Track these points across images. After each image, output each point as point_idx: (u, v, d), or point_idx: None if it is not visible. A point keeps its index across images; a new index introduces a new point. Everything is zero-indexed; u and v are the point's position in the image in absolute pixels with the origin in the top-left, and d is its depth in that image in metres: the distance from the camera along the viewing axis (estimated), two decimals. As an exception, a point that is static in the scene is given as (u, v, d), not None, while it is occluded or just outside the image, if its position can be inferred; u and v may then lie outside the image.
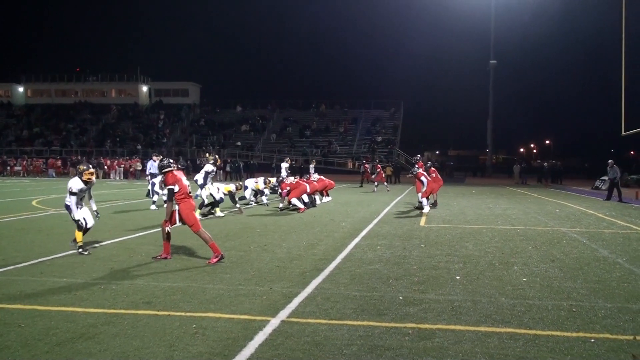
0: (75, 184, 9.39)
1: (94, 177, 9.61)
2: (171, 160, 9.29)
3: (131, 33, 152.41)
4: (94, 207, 9.82)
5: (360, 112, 67.21)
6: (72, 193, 9.37)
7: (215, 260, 8.59)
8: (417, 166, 18.60)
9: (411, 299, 6.59)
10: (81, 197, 9.55)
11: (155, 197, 17.44)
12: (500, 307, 6.23)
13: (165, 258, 8.88)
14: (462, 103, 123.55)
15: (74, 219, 9.43)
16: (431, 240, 11.32)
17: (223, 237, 11.25)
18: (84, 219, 9.45)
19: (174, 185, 8.72)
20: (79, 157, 48.56)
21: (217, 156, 17.58)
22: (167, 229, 8.84)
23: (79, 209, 9.46)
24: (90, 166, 9.73)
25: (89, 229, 9.62)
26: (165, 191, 8.86)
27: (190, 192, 8.95)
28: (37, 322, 5.56)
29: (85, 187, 9.51)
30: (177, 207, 8.83)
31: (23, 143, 63.85)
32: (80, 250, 9.29)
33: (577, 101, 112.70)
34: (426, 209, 16.95)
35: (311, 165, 34.02)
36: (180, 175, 8.99)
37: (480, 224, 14.29)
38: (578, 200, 23.92)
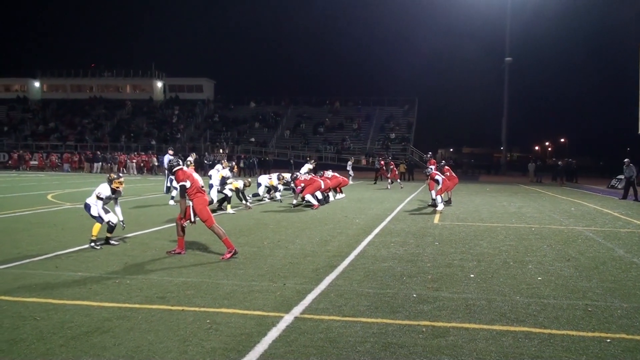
0: (104, 190, 9.61)
1: (122, 187, 9.83)
2: (179, 160, 9.42)
3: (146, 29, 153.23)
4: (121, 217, 9.94)
5: (374, 109, 67.02)
6: (99, 198, 9.53)
7: (228, 255, 8.62)
8: (430, 165, 18.60)
9: (425, 296, 6.56)
10: (106, 202, 9.73)
11: (174, 192, 17.53)
12: (514, 306, 6.19)
13: (179, 253, 8.92)
14: (477, 100, 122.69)
15: (92, 216, 9.56)
16: (445, 238, 11.27)
17: (236, 233, 11.28)
18: (109, 221, 9.62)
19: (185, 182, 8.79)
20: (97, 152, 48.79)
21: (234, 163, 17.66)
22: (184, 223, 8.91)
23: (106, 213, 9.65)
24: (121, 175, 9.96)
25: (114, 226, 9.75)
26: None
27: (202, 187, 9.01)
28: (52, 316, 5.60)
29: (113, 195, 9.74)
30: (191, 203, 8.88)
31: (39, 138, 64.40)
32: (92, 244, 9.38)
33: (592, 99, 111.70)
34: (440, 206, 16.88)
35: (349, 162, 34.49)
36: (191, 171, 9.09)
37: (494, 222, 14.22)
38: (593, 199, 23.72)
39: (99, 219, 9.48)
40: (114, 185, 9.61)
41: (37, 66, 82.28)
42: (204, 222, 8.83)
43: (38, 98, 77.74)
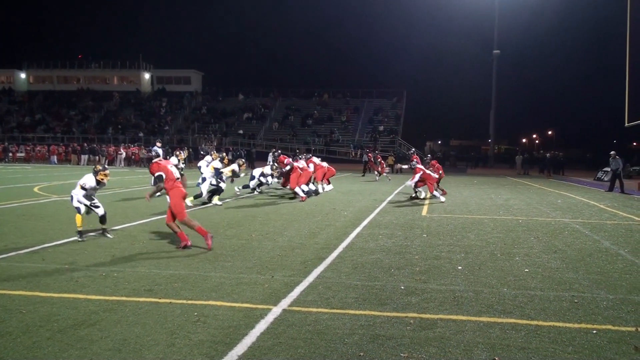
0: (89, 180, 9.57)
1: (107, 179, 9.84)
2: (159, 153, 9.66)
3: (133, 20, 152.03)
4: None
5: (362, 101, 67.01)
6: (82, 188, 9.49)
7: (210, 242, 8.74)
8: (414, 160, 18.71)
9: (413, 288, 6.58)
10: (90, 194, 9.68)
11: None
12: (502, 298, 6.23)
13: (186, 246, 8.84)
14: (465, 93, 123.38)
15: (75, 207, 9.49)
16: (433, 230, 11.31)
17: (225, 226, 11.26)
18: (87, 209, 9.60)
19: (160, 173, 8.95)
20: (85, 145, 48.42)
21: (224, 154, 17.63)
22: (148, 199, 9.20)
23: (96, 208, 9.66)
24: (107, 167, 9.95)
25: (104, 216, 9.75)
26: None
27: (178, 178, 9.16)
28: (38, 309, 5.56)
29: (97, 186, 9.73)
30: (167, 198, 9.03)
31: (25, 129, 63.85)
32: (79, 236, 9.34)
33: (580, 92, 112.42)
34: (442, 198, 17.24)
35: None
36: (166, 163, 9.30)
37: (482, 214, 14.28)
38: (580, 191, 23.88)
39: (79, 209, 9.45)
40: (99, 177, 9.56)
41: (23, 57, 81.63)
42: (176, 215, 8.83)
43: (24, 89, 77.01)
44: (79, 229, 9.39)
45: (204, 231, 8.78)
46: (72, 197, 9.55)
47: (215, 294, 6.20)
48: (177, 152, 17.86)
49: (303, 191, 17.16)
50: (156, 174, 8.96)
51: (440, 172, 18.98)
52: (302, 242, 9.62)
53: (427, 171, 17.37)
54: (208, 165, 15.81)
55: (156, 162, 9.13)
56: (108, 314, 5.43)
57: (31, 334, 4.87)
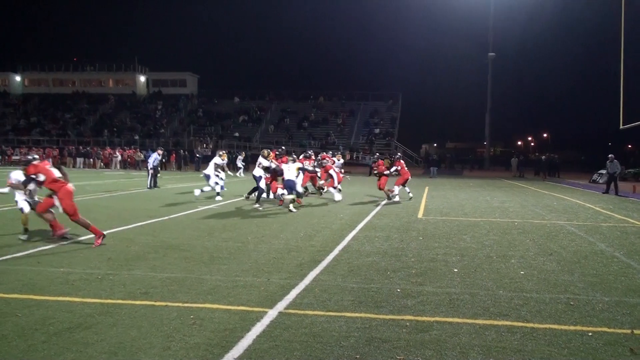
0: (19, 176, 9.87)
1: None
2: (35, 156, 9.99)
3: (129, 23, 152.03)
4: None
5: (358, 104, 67.03)
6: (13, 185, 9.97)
7: (99, 241, 9.11)
8: (396, 166, 18.30)
9: (409, 291, 6.58)
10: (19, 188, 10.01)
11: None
12: (497, 300, 6.23)
13: (62, 232, 9.45)
14: (461, 95, 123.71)
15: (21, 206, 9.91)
16: (429, 232, 11.31)
17: (220, 228, 11.24)
18: (21, 208, 10.03)
19: (37, 175, 9.27)
20: (79, 147, 48.35)
21: (224, 151, 17.76)
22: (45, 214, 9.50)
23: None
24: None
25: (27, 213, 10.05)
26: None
27: (60, 177, 9.38)
28: (34, 312, 5.55)
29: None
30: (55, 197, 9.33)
31: (20, 132, 63.67)
32: (23, 232, 9.78)
33: (575, 94, 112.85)
34: (337, 197, 17.69)
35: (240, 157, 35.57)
36: (44, 164, 9.53)
37: (478, 216, 14.29)
38: (575, 193, 23.94)
39: (22, 209, 9.88)
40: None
41: (18, 60, 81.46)
42: (70, 216, 9.20)
43: (19, 92, 76.86)
44: (25, 227, 9.74)
45: (98, 231, 9.24)
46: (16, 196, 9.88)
47: (211, 296, 6.19)
48: (220, 153, 18.01)
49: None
50: (29, 176, 9.27)
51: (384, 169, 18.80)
52: (298, 244, 9.62)
53: (336, 170, 18.13)
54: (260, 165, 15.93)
55: (34, 164, 9.30)
56: (104, 317, 5.41)
57: (26, 338, 4.85)
